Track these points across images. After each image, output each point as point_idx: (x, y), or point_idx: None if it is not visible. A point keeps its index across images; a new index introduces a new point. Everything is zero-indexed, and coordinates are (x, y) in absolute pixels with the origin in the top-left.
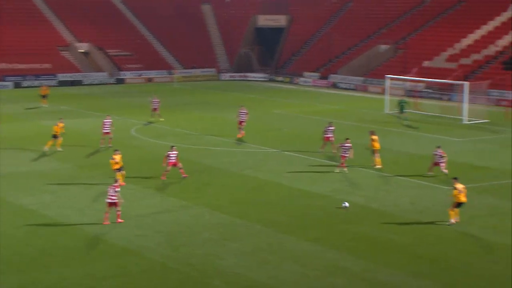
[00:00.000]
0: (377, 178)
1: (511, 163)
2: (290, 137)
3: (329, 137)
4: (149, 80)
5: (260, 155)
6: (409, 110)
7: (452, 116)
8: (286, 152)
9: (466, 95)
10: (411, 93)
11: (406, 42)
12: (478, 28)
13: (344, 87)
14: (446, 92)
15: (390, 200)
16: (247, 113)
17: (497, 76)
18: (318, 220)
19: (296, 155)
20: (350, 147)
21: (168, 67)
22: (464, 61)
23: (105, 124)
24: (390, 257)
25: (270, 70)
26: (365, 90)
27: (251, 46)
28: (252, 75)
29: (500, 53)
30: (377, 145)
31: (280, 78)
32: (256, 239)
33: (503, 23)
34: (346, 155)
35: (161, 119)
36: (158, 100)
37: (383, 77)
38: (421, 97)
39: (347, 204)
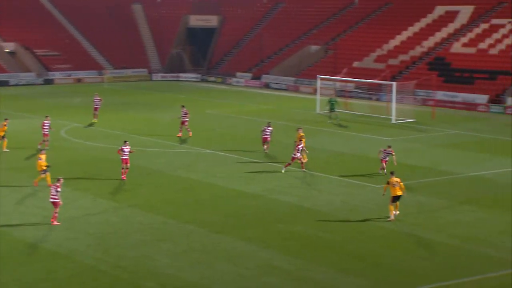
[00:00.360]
0: (310, 178)
1: (437, 162)
2: (223, 137)
3: (267, 137)
4: (79, 80)
5: (192, 155)
6: (339, 110)
7: (381, 116)
8: (219, 152)
9: (394, 95)
10: (341, 93)
11: (336, 43)
12: (405, 29)
13: (276, 87)
14: (375, 92)
15: (322, 199)
16: (187, 113)
17: (423, 76)
18: (252, 220)
19: (230, 155)
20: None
21: (98, 68)
22: (392, 61)
23: (44, 125)
24: (322, 255)
25: (202, 71)
26: (296, 90)
27: (183, 46)
28: (184, 76)
29: (426, 54)
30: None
31: (212, 79)
32: (189, 240)
33: (428, 25)
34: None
35: (94, 120)
36: (100, 99)
37: (314, 77)
38: (351, 97)
39: None
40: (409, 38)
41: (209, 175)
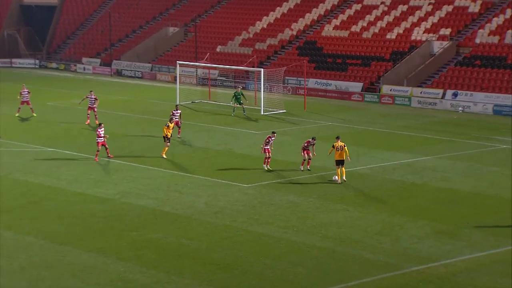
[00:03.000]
0: (169, 178)
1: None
2: (68, 132)
3: (177, 121)
4: None
5: (31, 154)
6: (203, 101)
7: (248, 107)
8: (63, 151)
9: (262, 83)
10: (203, 81)
11: (197, 24)
12: (272, 10)
13: (130, 75)
14: (242, 80)
15: (183, 202)
16: (96, 99)
17: (293, 63)
18: (102, 228)
19: (77, 153)
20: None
21: None
22: (260, 46)
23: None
24: (184, 265)
25: (41, 56)
26: (153, 78)
27: (16, 27)
28: (19, 61)
29: (296, 37)
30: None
31: (53, 65)
32: (28, 254)
33: (297, 5)
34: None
35: (34, 114)
36: (28, 91)
37: (173, 64)
38: (214, 85)
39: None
40: (277, 20)
41: (51, 177)
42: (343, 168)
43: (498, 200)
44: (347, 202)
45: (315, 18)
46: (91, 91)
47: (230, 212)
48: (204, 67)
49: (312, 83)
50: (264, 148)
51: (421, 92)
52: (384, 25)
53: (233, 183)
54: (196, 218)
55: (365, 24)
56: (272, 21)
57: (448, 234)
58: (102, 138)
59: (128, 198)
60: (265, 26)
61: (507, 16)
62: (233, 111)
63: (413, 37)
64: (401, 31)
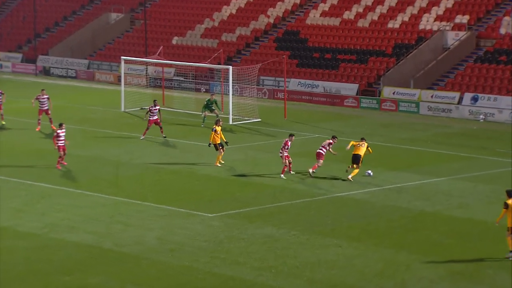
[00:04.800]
0: (111, 206)
1: (289, 178)
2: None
3: (157, 119)
4: None
5: None
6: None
7: (212, 115)
8: None
9: (230, 85)
10: (156, 82)
11: (147, 9)
12: None
13: (61, 74)
14: (205, 80)
15: (130, 237)
16: (49, 99)
17: (270, 58)
18: (24, 272)
19: None
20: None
21: None
22: (227, 37)
23: None
24: None
25: None
26: (91, 78)
27: None
28: None
29: (273, 26)
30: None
31: None
32: None
33: None
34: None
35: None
36: (2, 91)
37: (117, 60)
38: (170, 87)
39: (371, 172)
40: (249, 3)
41: None
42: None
43: None
44: (339, 235)
45: (298, 1)
46: (42, 90)
47: (190, 249)
48: (156, 64)
49: (294, 84)
50: (285, 156)
51: (432, 96)
52: (385, 11)
53: (194, 212)
54: (146, 258)
55: (360, 10)
56: (242, 6)
57: (467, 276)
58: (63, 141)
59: (58, 232)
60: (234, 11)
61: None
62: (203, 121)
63: (421, 26)
64: (406, 19)
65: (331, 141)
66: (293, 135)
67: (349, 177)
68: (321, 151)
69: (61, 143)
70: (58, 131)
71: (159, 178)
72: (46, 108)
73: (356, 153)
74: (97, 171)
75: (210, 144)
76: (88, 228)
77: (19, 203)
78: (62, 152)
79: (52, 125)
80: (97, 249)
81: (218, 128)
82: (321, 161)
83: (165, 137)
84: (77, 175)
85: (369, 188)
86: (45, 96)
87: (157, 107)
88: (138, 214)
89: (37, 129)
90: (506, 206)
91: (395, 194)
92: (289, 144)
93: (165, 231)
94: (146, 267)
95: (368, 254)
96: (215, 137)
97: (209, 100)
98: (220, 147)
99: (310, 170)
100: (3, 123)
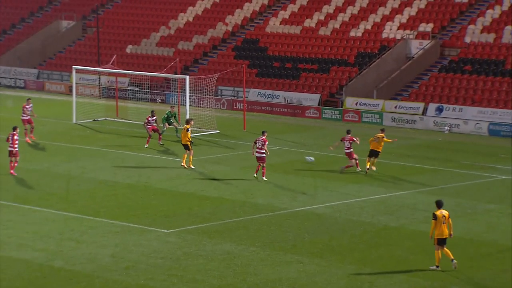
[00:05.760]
0: (62, 222)
1: (251, 192)
2: None
3: (154, 126)
4: None
5: None
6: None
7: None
8: None
9: (187, 95)
10: (109, 92)
11: (100, 16)
12: None
13: (8, 84)
14: (161, 90)
15: (82, 254)
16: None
17: (228, 68)
18: None
19: None
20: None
21: None
22: (184, 45)
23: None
24: None
25: None
26: (41, 88)
27: None
28: None
29: (231, 34)
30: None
31: None
32: None
33: None
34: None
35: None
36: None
37: (68, 69)
38: (124, 98)
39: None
40: (206, 11)
41: None
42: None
43: (496, 248)
44: (301, 251)
45: (257, 9)
46: (28, 99)
47: (146, 267)
48: (109, 74)
49: (253, 94)
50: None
51: (395, 107)
52: (347, 19)
53: (149, 228)
54: (99, 276)
55: (322, 18)
56: (200, 13)
57: None
58: (17, 145)
59: (6, 250)
60: (190, 19)
61: (505, 7)
62: (161, 132)
63: (384, 35)
64: (369, 27)
65: (349, 137)
66: (265, 132)
67: (372, 168)
68: (348, 150)
69: (15, 148)
70: (14, 132)
71: (113, 193)
72: (27, 118)
73: (373, 149)
74: (47, 186)
75: (191, 142)
76: (38, 245)
77: None
78: (13, 158)
79: (32, 135)
80: (47, 268)
81: (188, 126)
82: (353, 160)
83: (162, 144)
84: (26, 189)
85: (332, 202)
86: (31, 105)
87: (154, 118)
88: (90, 230)
89: (26, 141)
90: (435, 217)
91: (358, 209)
92: (258, 141)
93: (119, 248)
94: (100, 286)
95: (331, 271)
96: (186, 136)
97: (169, 112)
98: (190, 148)
99: (343, 168)
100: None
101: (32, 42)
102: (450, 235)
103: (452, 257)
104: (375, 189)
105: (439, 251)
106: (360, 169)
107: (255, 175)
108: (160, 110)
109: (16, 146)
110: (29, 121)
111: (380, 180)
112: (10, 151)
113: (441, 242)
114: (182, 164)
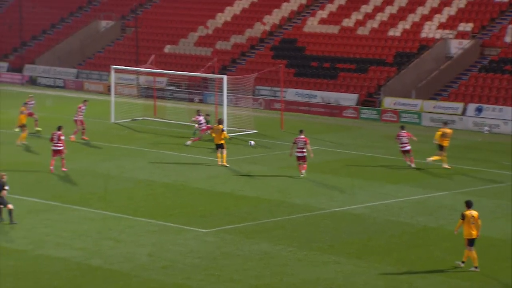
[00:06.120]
0: (100, 221)
1: (288, 192)
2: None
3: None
4: None
5: None
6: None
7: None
8: None
9: (225, 95)
10: (147, 92)
11: (138, 16)
12: None
13: (48, 83)
14: (198, 90)
15: (120, 253)
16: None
17: (266, 67)
18: None
19: None
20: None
21: None
22: (222, 45)
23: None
24: None
25: None
26: (79, 88)
27: None
28: None
29: (269, 34)
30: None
31: None
32: None
33: None
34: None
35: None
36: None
37: (106, 69)
38: (162, 98)
39: (253, 143)
40: (245, 10)
41: None
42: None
43: None
44: (339, 252)
45: (295, 8)
46: (85, 100)
47: (183, 266)
48: (147, 74)
49: (291, 94)
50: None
51: (434, 107)
52: (385, 19)
53: (187, 228)
54: (136, 275)
55: (360, 17)
56: (238, 13)
57: None
58: (62, 144)
59: (45, 249)
60: (228, 19)
61: None
62: (194, 134)
63: (423, 35)
64: (408, 27)
65: (403, 132)
66: (303, 131)
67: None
68: (405, 147)
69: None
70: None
71: (151, 192)
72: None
73: (440, 144)
74: (86, 185)
75: (227, 138)
76: (76, 244)
77: (3, 219)
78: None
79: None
80: (85, 267)
81: (221, 127)
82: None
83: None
84: (65, 189)
85: (370, 202)
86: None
87: (201, 118)
88: (128, 229)
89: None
90: (463, 217)
91: (397, 209)
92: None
93: (156, 248)
94: (137, 285)
95: (369, 271)
96: (221, 136)
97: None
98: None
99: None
100: (39, 129)
101: (72, 42)
102: (477, 235)
103: (476, 264)
104: (414, 190)
105: (472, 252)
106: (414, 165)
107: (302, 174)
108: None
109: (60, 145)
110: (81, 122)
111: (419, 180)
112: (54, 150)
113: (471, 242)
114: (219, 163)
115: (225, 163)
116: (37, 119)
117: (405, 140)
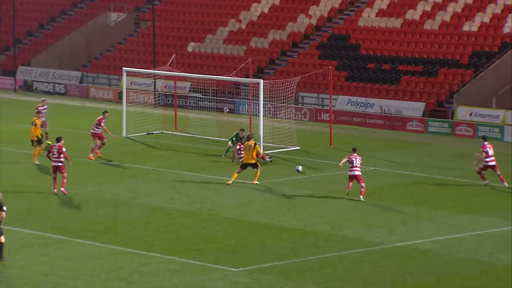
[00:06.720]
0: (109, 257)
1: (339, 223)
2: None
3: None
4: None
5: None
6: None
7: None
8: None
9: (261, 103)
10: (167, 100)
11: (156, 7)
12: None
13: (46, 89)
14: (227, 97)
15: None
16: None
17: (311, 70)
18: None
19: None
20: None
21: None
22: (257, 42)
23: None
24: None
25: None
26: (84, 94)
27: None
28: None
29: (316, 29)
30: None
31: None
32: None
33: None
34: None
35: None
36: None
37: (117, 72)
38: (184, 107)
39: (300, 168)
40: (285, 0)
41: None
42: None
43: None
44: None
45: None
46: (105, 111)
47: None
48: (167, 78)
49: (342, 103)
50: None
51: None
52: (459, 10)
53: (214, 266)
54: None
55: (428, 9)
56: (277, 3)
57: None
58: (62, 159)
59: None
60: (266, 10)
61: None
62: (226, 151)
63: (506, 30)
64: (486, 20)
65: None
66: (356, 149)
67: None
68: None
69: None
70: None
71: (170, 222)
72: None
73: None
74: (91, 213)
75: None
76: (80, 286)
77: None
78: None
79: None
80: None
81: (252, 143)
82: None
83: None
84: (66, 218)
85: (439, 236)
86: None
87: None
88: (143, 268)
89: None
90: None
91: (473, 244)
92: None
93: None
94: None
95: None
96: (253, 155)
97: (237, 134)
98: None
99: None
100: (49, 142)
101: (75, 39)
102: None
103: None
104: (494, 221)
105: None
106: (506, 184)
107: (361, 197)
108: (230, 123)
109: (60, 160)
110: (100, 136)
111: (499, 209)
112: (54, 167)
113: None
114: (230, 183)
115: (255, 181)
116: (48, 131)
117: (491, 152)
